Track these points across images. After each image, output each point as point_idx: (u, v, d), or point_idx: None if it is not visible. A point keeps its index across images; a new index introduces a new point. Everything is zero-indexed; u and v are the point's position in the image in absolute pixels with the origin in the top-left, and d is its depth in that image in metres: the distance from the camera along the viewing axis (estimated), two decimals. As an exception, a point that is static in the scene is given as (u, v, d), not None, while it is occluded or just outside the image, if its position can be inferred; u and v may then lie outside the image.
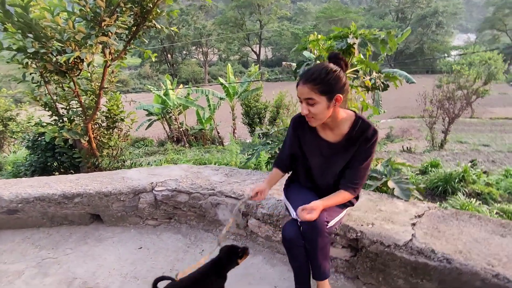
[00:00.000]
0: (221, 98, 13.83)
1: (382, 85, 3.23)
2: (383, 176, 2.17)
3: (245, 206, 2.12)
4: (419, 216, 1.72)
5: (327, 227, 1.46)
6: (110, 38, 3.49)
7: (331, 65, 1.38)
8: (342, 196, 1.51)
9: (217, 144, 14.28)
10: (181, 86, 16.32)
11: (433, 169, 7.60)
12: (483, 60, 23.18)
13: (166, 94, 13.56)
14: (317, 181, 1.65)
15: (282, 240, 1.54)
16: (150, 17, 3.76)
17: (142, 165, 5.80)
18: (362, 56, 3.15)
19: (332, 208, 1.55)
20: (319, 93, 1.35)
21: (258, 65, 15.17)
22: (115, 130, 5.34)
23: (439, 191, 6.12)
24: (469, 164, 7.71)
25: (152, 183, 2.46)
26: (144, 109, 13.66)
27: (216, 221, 2.30)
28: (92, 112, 4.52)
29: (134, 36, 3.93)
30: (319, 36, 3.62)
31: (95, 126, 5.01)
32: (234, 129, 14.61)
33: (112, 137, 5.22)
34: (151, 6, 3.70)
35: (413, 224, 1.66)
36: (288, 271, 1.89)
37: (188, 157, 9.66)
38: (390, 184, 2.03)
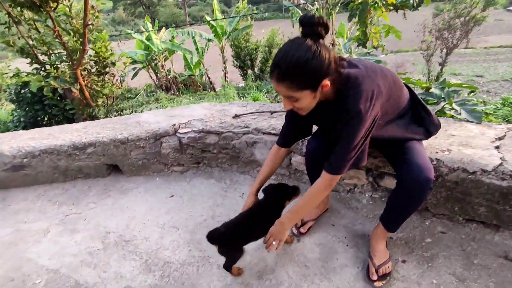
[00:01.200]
0: (209, 40, 12.83)
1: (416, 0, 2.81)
2: (441, 100, 1.92)
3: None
4: (501, 139, 1.52)
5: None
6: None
7: (307, 45, 0.98)
8: (313, 190, 1.23)
9: (209, 90, 13.67)
10: (163, 29, 15.01)
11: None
12: (481, -16, 21.87)
13: (148, 39, 12.44)
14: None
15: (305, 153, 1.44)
16: None
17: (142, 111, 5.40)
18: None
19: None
20: (299, 90, 1.02)
21: (244, 0, 13.78)
22: (107, 76, 4.82)
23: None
24: (470, 94, 7.62)
25: (174, 125, 2.15)
26: (127, 57, 12.64)
27: (253, 161, 2.07)
28: (80, 56, 3.97)
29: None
30: None
31: (84, 72, 4.47)
32: (225, 73, 13.88)
33: (106, 84, 4.73)
34: None
35: (497, 148, 1.45)
36: (343, 208, 1.73)
37: (183, 104, 9.19)
38: (456, 107, 1.78)
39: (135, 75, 13.90)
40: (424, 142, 1.55)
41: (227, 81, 13.76)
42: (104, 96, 4.68)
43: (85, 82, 4.41)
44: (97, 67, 4.60)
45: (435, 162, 1.46)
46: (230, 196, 1.97)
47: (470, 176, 1.38)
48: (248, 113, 2.12)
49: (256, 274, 1.48)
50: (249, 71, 13.97)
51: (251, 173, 2.11)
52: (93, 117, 4.55)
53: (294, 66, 0.97)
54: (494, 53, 20.81)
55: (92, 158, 2.19)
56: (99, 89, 4.56)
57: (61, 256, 1.68)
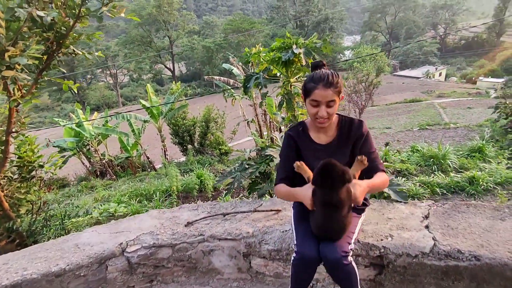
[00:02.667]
0: (145, 121, 12.83)
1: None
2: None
3: (246, 246, 1.87)
4: (427, 217, 1.76)
5: (349, 248, 1.43)
6: (17, 71, 2.79)
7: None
8: (380, 177, 1.49)
9: (149, 170, 13.17)
10: (96, 114, 14.63)
11: (356, 156, 8.39)
12: (372, 58, 27.24)
13: (79, 126, 11.91)
14: None
15: (298, 259, 1.44)
16: (67, 42, 3.15)
17: (78, 216, 4.85)
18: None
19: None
20: (337, 95, 1.44)
21: (175, 81, 14.54)
22: (33, 180, 4.36)
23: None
24: (386, 147, 8.78)
25: (121, 243, 1.98)
26: (54, 146, 11.75)
27: (212, 270, 1.98)
28: (0, 165, 3.59)
29: (48, 66, 3.25)
30: (261, 49, 3.58)
31: (4, 180, 3.99)
32: (165, 151, 13.69)
33: (31, 190, 4.25)
34: (65, 30, 3.11)
35: (427, 227, 1.67)
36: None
37: (122, 191, 8.60)
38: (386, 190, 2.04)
39: (63, 162, 12.84)
40: (367, 229, 1.72)
41: (167, 159, 13.53)
42: (28, 203, 4.16)
43: (5, 192, 3.91)
44: (20, 172, 4.16)
45: (382, 250, 1.59)
46: (191, 317, 1.80)
47: (414, 260, 1.54)
48: (200, 219, 2.09)
49: None
50: (189, 146, 14.07)
51: (211, 284, 1.99)
52: (13, 231, 3.94)
53: (333, 77, 1.42)
54: (393, 108, 25.11)
55: (17, 302, 1.83)
56: (22, 196, 4.06)
57: None
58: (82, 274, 1.90)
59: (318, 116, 1.45)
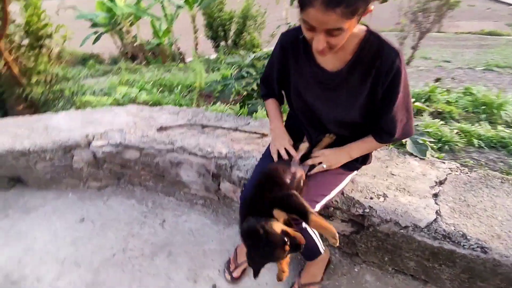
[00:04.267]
0: (179, 6, 11.82)
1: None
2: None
3: (216, 167, 1.63)
4: (441, 183, 1.36)
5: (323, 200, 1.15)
6: None
7: None
8: (369, 144, 1.15)
9: (178, 61, 12.85)
10: (127, -11, 13.62)
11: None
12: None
13: (111, 0, 11.24)
14: (323, 122, 1.17)
15: (241, 199, 1.21)
16: None
17: (84, 94, 4.85)
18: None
19: (333, 173, 1.18)
20: (351, 17, 0.81)
21: (218, -35, 12.71)
22: (43, 50, 4.20)
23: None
24: (435, 83, 7.60)
25: (88, 135, 1.82)
26: (86, 19, 11.44)
27: (179, 182, 1.81)
28: (1, 25, 3.37)
29: None
30: None
31: (13, 45, 3.85)
32: (196, 44, 13.03)
33: (40, 59, 4.13)
34: None
35: (436, 196, 1.29)
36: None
37: (146, 78, 8.54)
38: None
39: (96, 39, 12.75)
40: (360, 181, 1.38)
41: (197, 52, 12.98)
42: (39, 73, 4.11)
43: (14, 56, 3.82)
44: (29, 39, 3.98)
45: (367, 210, 1.28)
46: (149, 224, 1.72)
47: (401, 231, 1.22)
48: (176, 126, 1.83)
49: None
50: (222, 43, 13.22)
51: (177, 196, 1.86)
52: (26, 98, 4.02)
53: None
54: (463, 38, 21.17)
55: (-14, 171, 1.83)
56: (31, 65, 3.98)
57: None
58: (47, 158, 1.81)
59: (313, 46, 0.91)
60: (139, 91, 6.64)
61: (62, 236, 1.67)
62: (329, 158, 1.13)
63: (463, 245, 1.13)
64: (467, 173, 1.41)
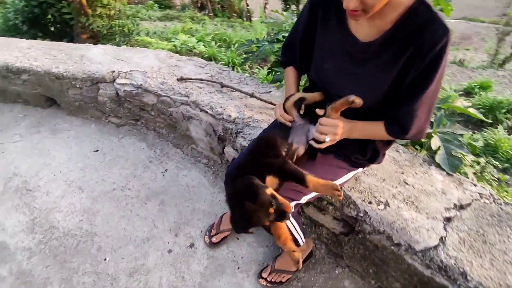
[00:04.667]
0: (256, -40, 11.28)
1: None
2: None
3: (223, 129, 1.56)
4: (462, 207, 1.14)
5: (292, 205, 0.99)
6: None
7: None
8: (378, 129, 0.95)
9: (245, 18, 12.57)
10: None
11: (481, 91, 6.32)
12: None
13: None
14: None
15: (226, 175, 1.16)
16: None
17: (139, 34, 4.99)
18: None
19: (332, 165, 1.05)
20: None
21: None
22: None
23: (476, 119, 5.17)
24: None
25: (114, 72, 1.86)
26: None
27: (188, 137, 1.80)
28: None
29: None
30: None
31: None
32: (266, 3, 12.54)
33: (106, -6, 4.29)
34: None
35: (448, 220, 1.09)
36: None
37: (208, 30, 8.53)
38: (435, 141, 1.35)
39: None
40: (365, 180, 1.22)
41: (265, 12, 12.52)
42: (104, 6, 4.29)
43: (81, -14, 4.00)
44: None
45: (361, 215, 1.14)
46: (152, 169, 1.76)
47: (392, 247, 1.07)
48: (195, 79, 1.77)
49: (130, 269, 1.35)
50: (293, 6, 12.57)
51: (185, 149, 1.86)
52: (90, 28, 4.27)
53: None
54: None
55: (28, 86, 2.00)
56: (98, -3, 4.16)
57: (-39, 188, 1.63)
58: (77, 86, 1.91)
59: (344, 4, 0.75)
60: (197, 42, 6.69)
61: (76, 161, 1.80)
62: (337, 129, 0.89)
63: (459, 285, 0.95)
64: (501, 204, 1.16)
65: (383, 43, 0.83)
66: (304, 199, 1.02)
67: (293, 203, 0.98)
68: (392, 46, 0.82)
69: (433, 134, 1.41)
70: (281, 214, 0.83)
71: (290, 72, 1.16)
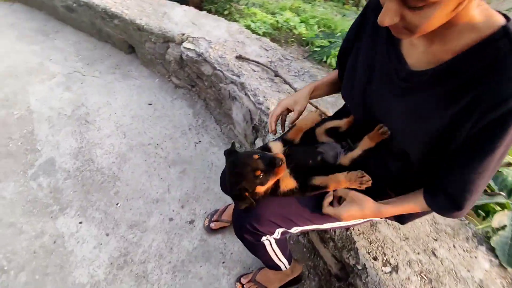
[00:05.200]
0: None
1: None
2: (501, 192, 1.12)
3: (259, 120, 1.48)
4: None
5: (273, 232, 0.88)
6: None
7: None
8: (412, 203, 0.75)
9: (361, 7, 11.62)
10: None
11: None
12: None
13: None
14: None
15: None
16: None
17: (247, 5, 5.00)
18: None
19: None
20: None
21: None
22: None
23: None
24: None
25: (184, 35, 1.91)
26: None
27: (229, 117, 1.77)
28: None
29: None
30: None
31: None
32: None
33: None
34: None
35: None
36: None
37: (316, 13, 8.18)
38: (502, 217, 1.02)
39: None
40: (384, 232, 1.02)
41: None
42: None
43: None
44: None
45: (359, 268, 0.96)
46: (187, 137, 1.81)
47: (380, 321, 0.88)
48: (253, 61, 1.69)
49: (131, 222, 1.44)
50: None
51: (223, 128, 1.84)
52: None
53: None
54: None
55: (117, 31, 2.22)
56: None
57: (43, 103, 1.94)
58: (153, 40, 2.03)
59: (378, 19, 0.55)
60: (300, 22, 6.48)
61: (130, 108, 1.95)
62: (352, 198, 0.79)
63: None
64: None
65: (435, 76, 0.61)
66: (295, 230, 0.89)
67: (280, 229, 0.87)
68: (445, 83, 0.60)
69: (505, 207, 1.08)
70: (271, 162, 0.76)
71: (332, 72, 1.01)
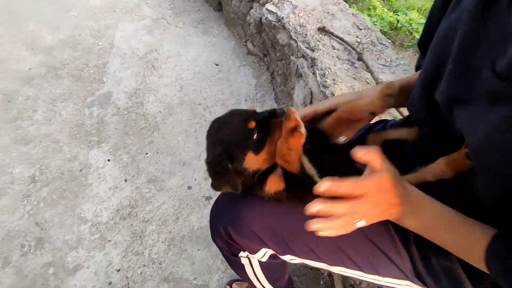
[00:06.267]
0: None
1: None
2: None
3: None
4: None
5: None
6: None
7: None
8: (472, 239, 0.42)
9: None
10: None
11: None
12: None
13: None
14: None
15: None
16: None
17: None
18: None
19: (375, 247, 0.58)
20: None
21: None
22: None
23: None
24: None
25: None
26: None
27: (290, 96, 1.51)
28: None
29: None
30: None
31: None
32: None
33: None
34: None
35: None
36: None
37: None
38: None
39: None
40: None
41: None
42: None
43: None
44: None
45: None
46: (241, 106, 1.62)
47: None
48: (336, 36, 1.36)
49: (151, 176, 1.35)
50: None
51: (281, 104, 1.58)
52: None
53: None
54: None
55: (210, -16, 2.13)
56: None
57: (125, 41, 1.99)
58: (239, -2, 1.87)
59: None
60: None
61: (196, 64, 1.86)
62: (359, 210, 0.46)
63: None
64: None
65: None
66: (290, 259, 0.62)
67: (266, 250, 0.62)
68: None
69: None
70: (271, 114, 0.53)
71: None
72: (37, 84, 1.70)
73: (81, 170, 1.38)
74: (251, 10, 1.79)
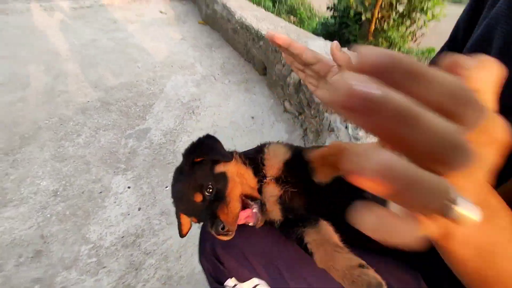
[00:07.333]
0: None
1: None
2: None
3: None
4: None
5: None
6: None
7: None
8: None
9: None
10: None
11: None
12: None
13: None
14: None
15: None
16: None
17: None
18: None
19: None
20: None
21: None
22: (407, 21, 4.31)
23: None
24: None
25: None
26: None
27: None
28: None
29: None
30: None
31: (387, 5, 4.20)
32: None
33: (399, 29, 4.30)
34: None
35: None
36: None
37: None
38: None
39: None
40: None
41: None
42: (386, 38, 4.35)
43: (379, 15, 4.21)
44: (403, 7, 4.17)
45: None
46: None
47: None
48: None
49: (165, 209, 1.30)
50: None
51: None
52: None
53: None
54: None
55: (260, 51, 2.36)
56: (387, 27, 4.24)
57: (174, 89, 2.19)
58: (282, 62, 2.02)
59: None
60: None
61: (233, 115, 1.95)
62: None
63: None
64: None
65: None
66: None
67: (257, 281, 0.52)
68: None
69: None
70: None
71: None
72: (89, 114, 1.88)
73: (100, 192, 1.38)
74: (292, 73, 1.91)
